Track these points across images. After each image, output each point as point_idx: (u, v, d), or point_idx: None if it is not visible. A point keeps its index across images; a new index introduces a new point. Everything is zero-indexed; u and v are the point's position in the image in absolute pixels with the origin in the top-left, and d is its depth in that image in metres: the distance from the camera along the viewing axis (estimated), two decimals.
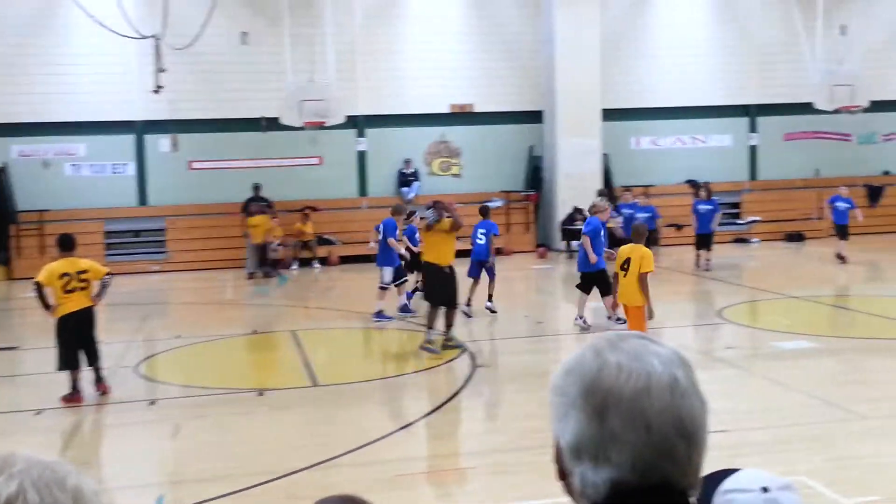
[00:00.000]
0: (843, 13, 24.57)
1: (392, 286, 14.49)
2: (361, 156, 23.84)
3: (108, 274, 10.12)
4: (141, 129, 22.61)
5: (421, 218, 13.49)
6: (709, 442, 1.35)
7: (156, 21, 18.66)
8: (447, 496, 7.42)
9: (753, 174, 25.92)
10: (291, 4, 22.05)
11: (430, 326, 11.71)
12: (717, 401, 8.99)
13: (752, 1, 25.24)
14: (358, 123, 23.46)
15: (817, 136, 25.99)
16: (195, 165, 23.00)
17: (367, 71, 23.46)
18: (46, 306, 9.85)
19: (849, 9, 24.29)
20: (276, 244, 21.48)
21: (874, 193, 24.88)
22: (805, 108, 24.06)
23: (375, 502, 1.78)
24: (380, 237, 14.42)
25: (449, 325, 11.77)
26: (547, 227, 23.63)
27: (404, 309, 14.51)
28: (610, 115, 23.74)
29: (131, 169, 22.81)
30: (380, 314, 14.20)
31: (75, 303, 9.79)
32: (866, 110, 23.62)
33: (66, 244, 10.04)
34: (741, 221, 24.16)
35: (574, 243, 22.31)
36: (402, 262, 14.62)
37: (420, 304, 13.82)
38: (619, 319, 11.96)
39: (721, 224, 20.42)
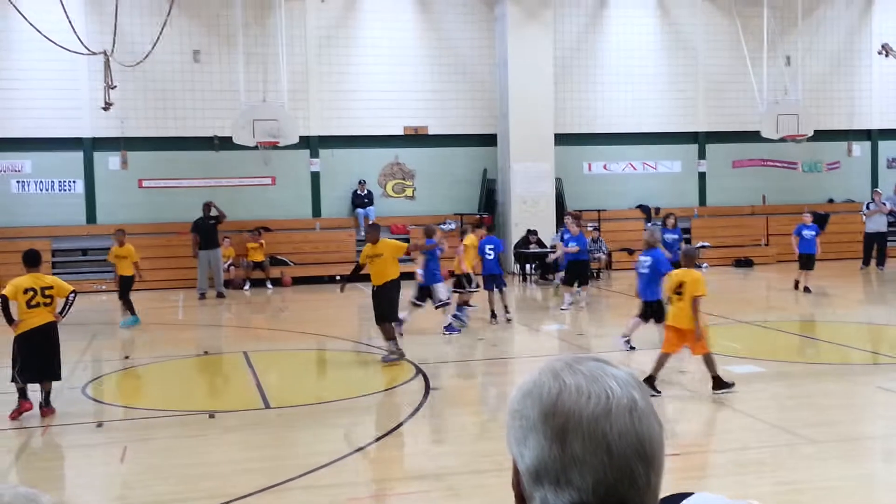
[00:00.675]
0: (788, 44, 25.15)
1: (451, 296, 15.06)
2: (315, 177, 23.76)
3: (72, 292, 10.12)
4: (90, 146, 22.32)
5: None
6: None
7: (107, 37, 18.48)
8: None
9: (703, 200, 26.33)
10: (245, 24, 22.00)
11: (387, 339, 12.52)
12: (669, 424, 9.07)
13: (702, 30, 25.75)
14: (311, 144, 23.40)
15: (764, 163, 26.51)
16: (145, 184, 22.75)
17: (320, 91, 23.44)
18: (10, 320, 9.83)
19: (793, 40, 24.86)
20: (227, 264, 21.29)
21: (820, 221, 25.36)
22: (752, 136, 24.57)
23: None
24: (427, 257, 14.64)
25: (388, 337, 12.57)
26: None
27: (450, 328, 14.75)
28: (562, 139, 24.02)
29: (80, 186, 22.48)
30: (450, 327, 14.67)
31: (39, 318, 9.81)
32: (811, 139, 24.17)
33: (32, 260, 10.05)
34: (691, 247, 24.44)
35: (530, 266, 22.45)
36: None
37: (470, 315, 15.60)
38: (628, 341, 12.83)
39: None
